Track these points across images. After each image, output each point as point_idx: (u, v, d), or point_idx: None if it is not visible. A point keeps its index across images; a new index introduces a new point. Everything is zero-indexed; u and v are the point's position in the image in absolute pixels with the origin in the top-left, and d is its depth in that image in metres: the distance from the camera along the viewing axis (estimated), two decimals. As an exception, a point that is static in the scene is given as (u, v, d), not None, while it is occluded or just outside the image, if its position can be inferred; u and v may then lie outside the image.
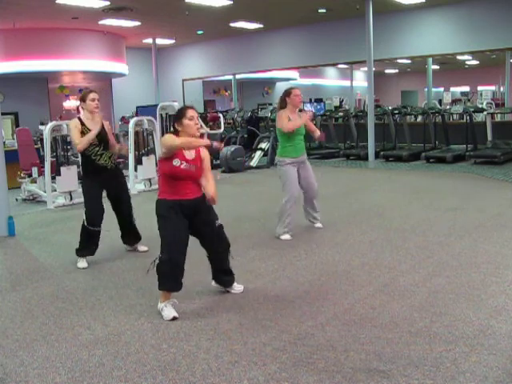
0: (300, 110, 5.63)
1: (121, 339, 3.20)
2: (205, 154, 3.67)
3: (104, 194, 4.95)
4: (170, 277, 3.49)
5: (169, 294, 3.54)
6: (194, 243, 3.69)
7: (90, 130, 4.73)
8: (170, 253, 3.46)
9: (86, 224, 4.79)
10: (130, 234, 5.21)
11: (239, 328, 3.29)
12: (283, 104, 5.39)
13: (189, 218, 3.57)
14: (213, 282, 3.98)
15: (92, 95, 4.83)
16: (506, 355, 2.81)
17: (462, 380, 2.59)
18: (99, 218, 4.84)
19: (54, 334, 3.33)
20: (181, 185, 3.52)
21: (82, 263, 4.82)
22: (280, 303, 3.68)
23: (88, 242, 4.83)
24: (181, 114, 3.56)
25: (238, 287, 3.96)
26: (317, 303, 3.65)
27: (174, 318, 3.45)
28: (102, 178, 4.82)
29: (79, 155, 4.87)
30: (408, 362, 2.78)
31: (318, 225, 5.84)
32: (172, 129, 3.65)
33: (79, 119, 4.81)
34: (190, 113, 3.54)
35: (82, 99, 4.86)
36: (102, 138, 4.81)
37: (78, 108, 4.93)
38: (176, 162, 3.50)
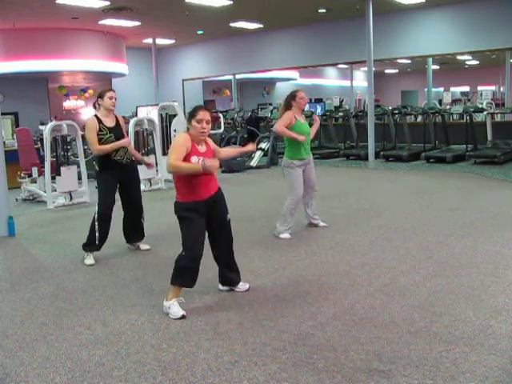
0: (312, 113, 5.71)
1: (121, 339, 3.20)
2: (212, 143, 3.76)
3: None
4: (189, 273, 3.53)
5: (178, 292, 3.56)
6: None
7: (107, 127, 4.85)
8: (193, 251, 3.52)
9: (97, 217, 4.82)
10: (137, 233, 5.23)
11: (239, 328, 3.29)
12: (289, 106, 5.45)
13: (206, 215, 3.62)
14: (220, 286, 3.99)
15: (110, 93, 4.93)
16: (506, 355, 2.81)
17: (462, 380, 2.59)
18: (111, 210, 4.88)
19: (53, 334, 3.33)
20: (199, 183, 3.54)
21: (90, 260, 4.85)
22: (280, 303, 3.68)
23: (96, 237, 4.84)
24: (192, 114, 3.57)
25: (243, 285, 3.97)
26: (317, 303, 3.65)
27: (183, 317, 3.45)
28: (116, 172, 4.91)
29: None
30: (408, 361, 2.78)
31: (323, 224, 5.85)
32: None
33: (96, 117, 4.87)
34: (199, 116, 3.53)
35: (100, 96, 4.95)
36: (117, 134, 4.93)
37: (94, 104, 5.02)
38: (195, 159, 3.51)
